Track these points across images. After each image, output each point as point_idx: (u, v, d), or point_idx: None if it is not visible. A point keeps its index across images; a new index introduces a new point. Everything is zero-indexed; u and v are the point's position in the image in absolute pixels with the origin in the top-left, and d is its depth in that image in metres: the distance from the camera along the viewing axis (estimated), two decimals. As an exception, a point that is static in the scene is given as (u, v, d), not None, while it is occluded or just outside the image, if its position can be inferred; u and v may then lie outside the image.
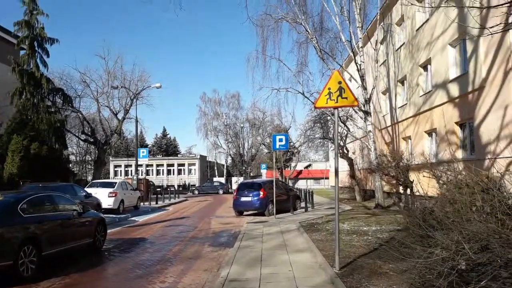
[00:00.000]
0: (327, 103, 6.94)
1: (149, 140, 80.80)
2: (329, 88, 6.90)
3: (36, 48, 26.09)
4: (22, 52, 26.68)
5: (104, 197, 17.72)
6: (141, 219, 17.38)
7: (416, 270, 3.77)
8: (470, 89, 14.06)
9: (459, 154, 15.08)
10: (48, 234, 7.36)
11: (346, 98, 6.84)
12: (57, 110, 26.05)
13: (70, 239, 8.25)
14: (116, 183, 19.35)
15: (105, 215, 17.36)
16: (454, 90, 15.23)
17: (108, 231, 13.29)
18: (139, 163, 26.24)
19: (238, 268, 6.98)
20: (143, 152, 25.37)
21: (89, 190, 18.01)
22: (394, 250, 5.13)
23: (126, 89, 34.78)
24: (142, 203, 24.77)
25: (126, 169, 61.75)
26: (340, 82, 6.86)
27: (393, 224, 11.85)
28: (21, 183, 18.38)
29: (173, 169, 64.66)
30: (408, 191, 7.45)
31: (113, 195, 18.03)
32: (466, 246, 2.98)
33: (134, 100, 34.34)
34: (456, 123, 15.38)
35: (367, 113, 18.56)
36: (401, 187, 7.56)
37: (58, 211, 8.12)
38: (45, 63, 26.70)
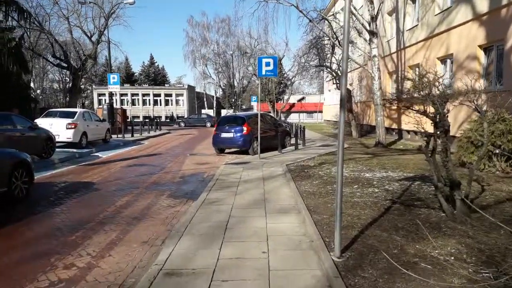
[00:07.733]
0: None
1: (136, 68, 76.69)
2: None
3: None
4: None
5: (62, 128, 15.27)
6: (105, 155, 15.04)
7: None
8: (505, 1, 11.19)
9: (481, 84, 12.60)
10: None
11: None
12: (11, 27, 22.35)
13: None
14: (76, 112, 16.64)
15: (63, 149, 15.13)
16: (482, 4, 12.32)
17: (60, 170, 11.31)
18: (109, 90, 23.25)
19: (188, 246, 4.66)
20: (113, 78, 22.18)
21: (44, 120, 15.58)
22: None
23: (97, 6, 30.55)
24: (116, 136, 22.47)
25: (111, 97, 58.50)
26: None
27: (400, 169, 9.66)
28: None
29: (160, 100, 61.47)
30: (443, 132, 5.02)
31: (72, 126, 15.45)
32: None
33: (109, 19, 30.46)
34: (480, 46, 12.71)
35: (372, 33, 15.56)
36: (432, 126, 5.06)
37: None
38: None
